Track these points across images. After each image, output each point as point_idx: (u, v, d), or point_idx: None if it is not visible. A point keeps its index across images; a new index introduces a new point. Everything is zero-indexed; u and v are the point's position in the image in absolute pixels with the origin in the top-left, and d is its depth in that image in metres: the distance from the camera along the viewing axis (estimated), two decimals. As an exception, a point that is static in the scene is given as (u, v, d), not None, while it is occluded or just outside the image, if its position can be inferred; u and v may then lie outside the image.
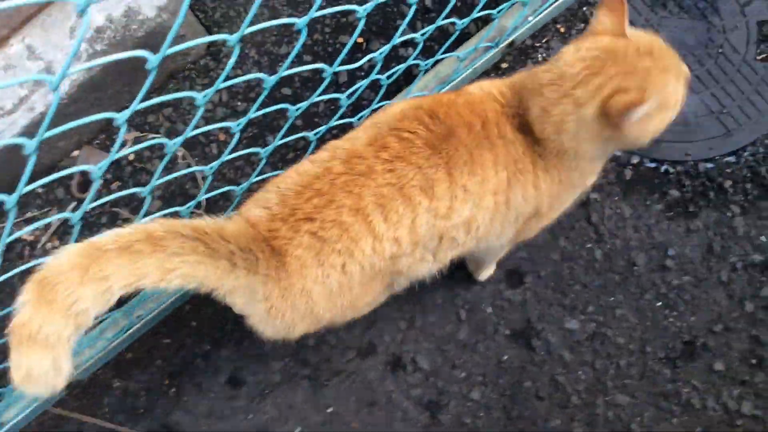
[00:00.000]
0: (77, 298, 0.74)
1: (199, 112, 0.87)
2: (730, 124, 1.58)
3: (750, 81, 1.58)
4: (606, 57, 0.94)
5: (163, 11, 1.59)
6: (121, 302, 1.12)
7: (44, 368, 0.73)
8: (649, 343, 1.51)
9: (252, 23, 0.74)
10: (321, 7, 0.85)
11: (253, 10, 0.73)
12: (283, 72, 0.94)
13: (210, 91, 0.83)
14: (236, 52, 0.76)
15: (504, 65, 1.65)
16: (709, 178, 1.58)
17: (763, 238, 1.54)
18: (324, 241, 0.93)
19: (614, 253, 1.55)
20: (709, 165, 1.59)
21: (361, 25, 1.01)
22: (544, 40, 1.68)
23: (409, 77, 1.56)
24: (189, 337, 1.52)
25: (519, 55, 1.67)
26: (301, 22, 0.84)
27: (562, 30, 1.67)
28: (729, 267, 1.53)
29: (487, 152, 1.00)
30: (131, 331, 1.41)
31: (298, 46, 0.90)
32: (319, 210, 0.93)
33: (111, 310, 0.86)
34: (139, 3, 1.58)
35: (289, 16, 1.68)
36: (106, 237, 0.79)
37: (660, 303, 1.52)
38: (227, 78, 0.83)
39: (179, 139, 0.90)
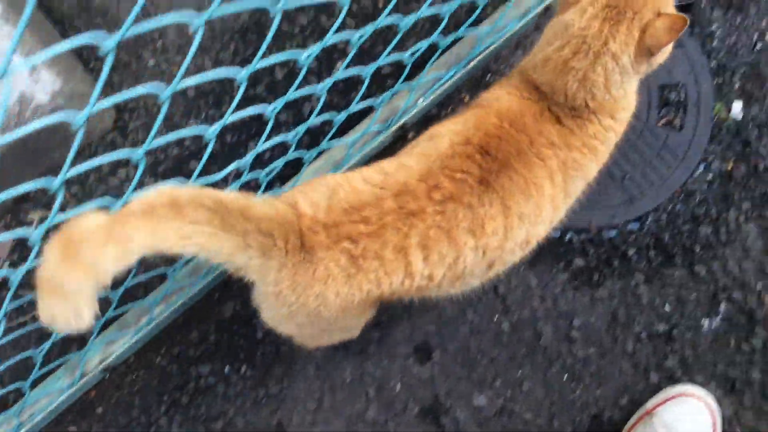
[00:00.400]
0: (99, 257, 0.77)
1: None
2: (633, 190, 1.58)
3: (652, 146, 1.58)
4: (615, 3, 0.98)
5: (57, 96, 1.57)
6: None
7: (67, 314, 0.78)
8: (557, 417, 1.51)
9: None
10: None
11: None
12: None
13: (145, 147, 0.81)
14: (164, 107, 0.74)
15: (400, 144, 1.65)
16: (612, 246, 1.58)
17: (667, 307, 1.54)
18: (360, 268, 0.93)
19: (521, 324, 1.55)
20: (613, 233, 1.59)
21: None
22: (449, 108, 1.67)
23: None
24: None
25: (421, 128, 1.66)
26: (210, 132, 0.83)
27: (466, 99, 1.67)
28: (634, 337, 1.53)
29: (540, 169, 1.03)
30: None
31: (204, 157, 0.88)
32: (363, 237, 0.93)
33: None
34: (33, 89, 1.56)
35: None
36: (133, 202, 0.82)
37: (566, 375, 1.52)
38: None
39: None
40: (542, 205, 1.04)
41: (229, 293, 1.57)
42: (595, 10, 0.99)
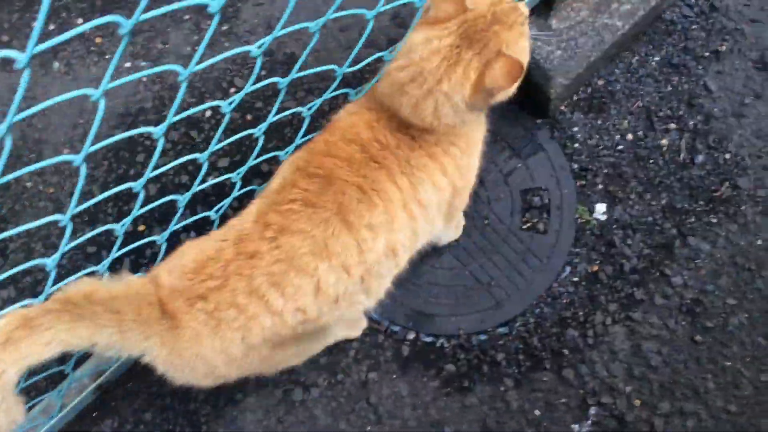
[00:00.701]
0: None
1: None
2: (500, 295, 1.59)
3: (516, 251, 1.60)
4: (460, 42, 0.96)
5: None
6: None
7: None
8: None
9: None
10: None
11: None
12: None
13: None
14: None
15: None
16: (482, 351, 1.59)
17: (536, 412, 1.54)
18: (220, 320, 0.97)
19: (393, 435, 1.54)
20: (482, 337, 1.59)
21: None
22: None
23: None
24: None
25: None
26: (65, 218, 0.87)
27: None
28: (502, 445, 1.52)
29: (377, 172, 1.02)
30: None
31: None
32: (212, 292, 0.97)
33: None
34: None
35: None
36: None
37: (437, 486, 1.51)
38: None
39: None
40: (392, 211, 1.02)
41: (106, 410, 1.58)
42: (440, 45, 0.97)
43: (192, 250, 1.03)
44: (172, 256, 1.05)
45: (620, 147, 1.67)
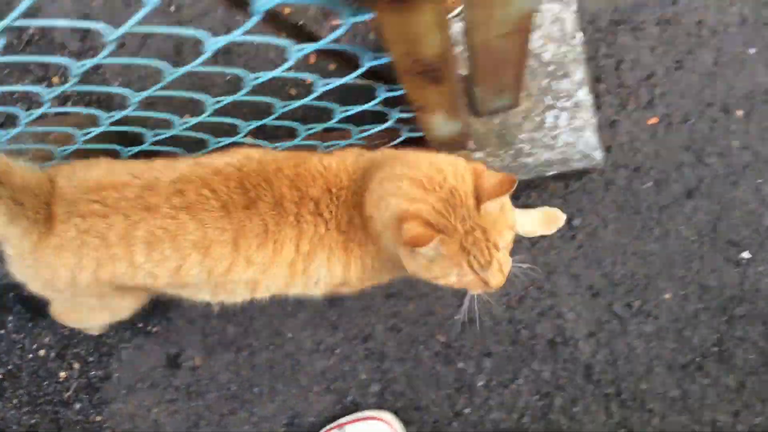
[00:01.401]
0: None
1: None
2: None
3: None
4: (443, 224, 0.93)
5: None
6: None
7: None
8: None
9: None
10: None
11: None
12: None
13: None
14: None
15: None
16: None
17: None
18: (84, 243, 0.99)
19: None
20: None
21: None
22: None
23: None
24: None
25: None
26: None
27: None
28: None
29: (290, 229, 1.01)
30: None
31: None
32: (93, 215, 0.98)
33: None
34: None
35: None
36: None
37: None
38: None
39: None
40: (277, 262, 1.03)
41: None
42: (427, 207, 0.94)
43: (101, 168, 1.03)
44: (79, 164, 1.05)
45: None
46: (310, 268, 1.05)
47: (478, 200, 0.94)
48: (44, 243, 0.99)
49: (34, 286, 1.08)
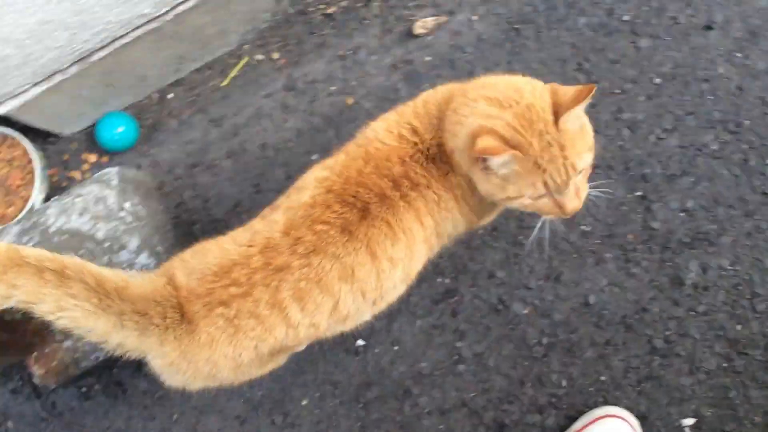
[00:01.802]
0: None
1: None
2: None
3: None
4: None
5: None
6: None
7: None
8: None
9: None
10: None
11: None
12: None
13: None
14: None
15: None
16: None
17: None
18: (238, 328, 0.97)
19: None
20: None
21: None
22: None
23: None
24: None
25: None
26: None
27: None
28: None
29: (406, 212, 1.02)
30: None
31: None
32: (235, 299, 0.97)
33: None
34: None
35: None
36: (33, 251, 0.90)
37: None
38: None
39: None
40: (413, 246, 1.04)
41: None
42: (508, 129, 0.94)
43: (213, 252, 1.02)
44: (188, 255, 1.04)
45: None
46: (440, 232, 1.08)
47: (557, 116, 0.93)
48: (193, 343, 0.98)
49: (196, 385, 1.06)
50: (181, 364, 1.00)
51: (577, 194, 0.98)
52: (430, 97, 1.09)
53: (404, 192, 1.03)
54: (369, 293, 1.04)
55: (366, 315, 1.11)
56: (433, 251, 1.13)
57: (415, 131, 1.05)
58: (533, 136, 0.93)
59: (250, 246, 1.00)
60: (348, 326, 1.10)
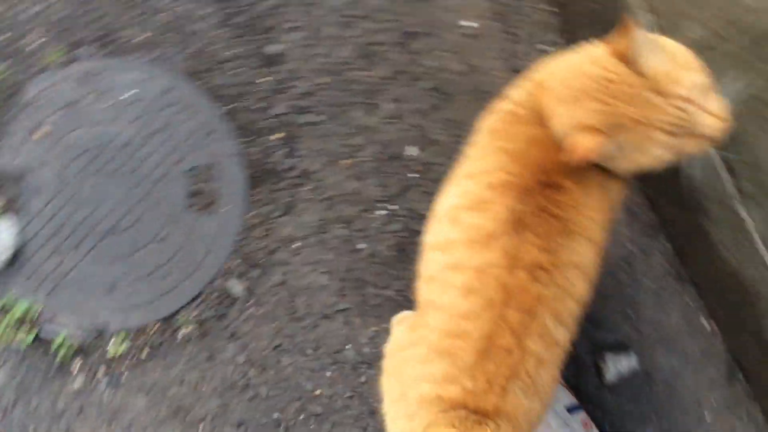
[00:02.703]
0: None
1: None
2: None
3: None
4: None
5: None
6: None
7: None
8: None
9: None
10: None
11: None
12: None
13: None
14: None
15: None
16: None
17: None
18: (536, 385, 0.92)
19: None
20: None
21: None
22: None
23: None
24: None
25: None
26: None
27: None
28: None
29: (572, 211, 0.95)
30: None
31: None
32: (517, 366, 0.90)
33: None
34: None
35: None
36: None
37: None
38: None
39: None
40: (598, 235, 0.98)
41: None
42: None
43: (458, 343, 0.93)
44: (424, 362, 0.95)
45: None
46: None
47: (626, 62, 0.87)
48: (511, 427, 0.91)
49: None
50: None
51: (712, 110, 0.88)
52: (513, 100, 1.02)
53: (554, 202, 0.95)
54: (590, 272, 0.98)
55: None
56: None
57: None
58: (617, 100, 0.87)
59: (484, 309, 0.92)
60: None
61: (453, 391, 0.90)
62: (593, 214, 0.97)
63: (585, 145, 0.87)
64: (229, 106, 1.57)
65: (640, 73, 0.87)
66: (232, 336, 1.50)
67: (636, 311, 1.56)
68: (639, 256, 1.58)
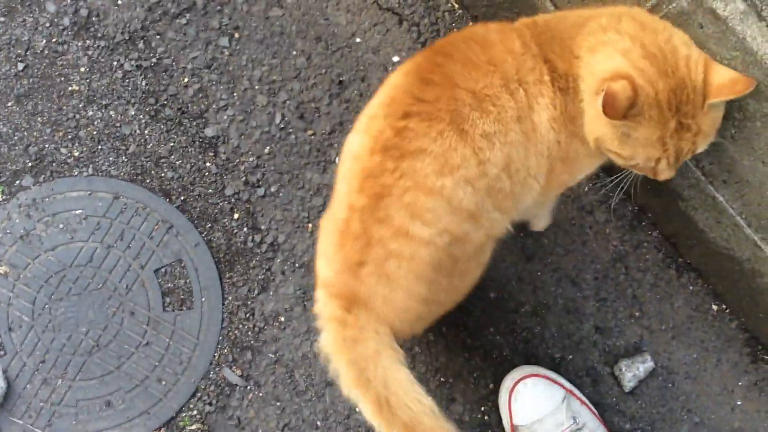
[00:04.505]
0: None
1: None
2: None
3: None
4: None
5: None
6: None
7: None
8: None
9: None
10: None
11: None
12: None
13: None
14: None
15: None
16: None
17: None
18: (388, 274, 0.94)
19: None
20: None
21: None
22: None
23: None
24: None
25: None
26: None
27: None
28: None
29: (493, 77, 0.93)
30: None
31: None
32: (364, 252, 0.94)
33: None
34: None
35: None
36: None
37: None
38: None
39: None
40: (507, 120, 0.93)
41: None
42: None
43: (325, 233, 1.00)
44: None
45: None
46: (535, 120, 0.98)
47: (705, 96, 0.88)
48: (374, 310, 0.97)
49: (420, 327, 1.14)
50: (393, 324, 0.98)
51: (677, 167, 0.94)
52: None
53: (493, 55, 0.93)
54: (476, 182, 0.93)
55: (494, 214, 1.00)
56: (532, 151, 0.98)
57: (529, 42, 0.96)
58: (673, 113, 0.85)
59: (344, 180, 0.96)
60: (486, 226, 1.00)
61: (325, 271, 0.98)
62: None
63: (621, 100, 0.83)
64: (182, 198, 1.55)
65: (704, 108, 0.87)
66: (239, 425, 1.47)
67: (641, 310, 1.49)
68: (631, 253, 1.51)
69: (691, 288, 1.48)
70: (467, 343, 1.48)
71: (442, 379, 1.46)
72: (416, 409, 0.96)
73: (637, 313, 1.48)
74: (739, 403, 1.43)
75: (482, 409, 1.44)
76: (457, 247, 0.99)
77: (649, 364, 1.43)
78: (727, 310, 1.46)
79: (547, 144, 1.00)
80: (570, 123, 0.98)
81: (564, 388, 1.34)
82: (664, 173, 0.95)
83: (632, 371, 1.42)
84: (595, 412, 1.36)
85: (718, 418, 1.43)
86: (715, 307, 1.48)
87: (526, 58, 0.94)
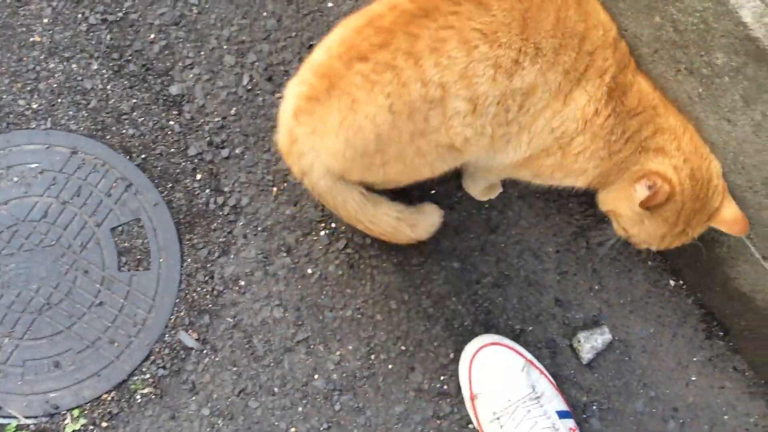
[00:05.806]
0: None
1: None
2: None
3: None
4: None
5: None
6: None
7: None
8: None
9: None
10: None
11: None
12: None
13: None
14: None
15: None
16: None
17: (178, 463, 1.38)
18: (374, 83, 0.94)
19: None
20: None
21: None
22: None
23: None
24: None
25: None
26: None
27: None
28: None
29: (577, 39, 0.97)
30: None
31: None
32: (375, 50, 0.94)
33: None
34: None
35: None
36: None
37: None
38: None
39: None
40: (557, 61, 0.99)
41: None
42: None
43: (353, 19, 1.01)
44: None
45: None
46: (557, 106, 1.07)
47: (710, 219, 1.08)
48: (339, 109, 0.99)
49: (355, 170, 1.10)
50: (342, 136, 1.00)
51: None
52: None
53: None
54: (500, 73, 0.95)
55: (487, 130, 1.02)
56: (547, 115, 1.03)
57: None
58: (684, 224, 1.07)
59: None
60: (458, 131, 1.01)
61: (319, 55, 1.02)
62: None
63: (659, 202, 1.01)
64: (143, 156, 1.51)
65: (718, 218, 1.11)
66: (193, 389, 1.44)
67: (601, 284, 1.50)
68: (593, 227, 1.52)
69: (649, 263, 1.50)
70: (429, 312, 1.47)
71: (403, 348, 1.45)
72: None
73: (596, 287, 1.49)
74: (693, 378, 1.45)
75: (441, 378, 1.43)
76: (417, 122, 1.00)
77: (607, 336, 1.44)
78: (684, 286, 1.48)
79: (564, 119, 1.04)
80: (591, 131, 1.05)
81: (524, 357, 1.34)
82: (646, 249, 1.17)
83: (590, 342, 1.43)
84: (554, 382, 1.37)
85: (673, 393, 1.44)
86: (672, 282, 1.50)
87: (606, 53, 1.02)
